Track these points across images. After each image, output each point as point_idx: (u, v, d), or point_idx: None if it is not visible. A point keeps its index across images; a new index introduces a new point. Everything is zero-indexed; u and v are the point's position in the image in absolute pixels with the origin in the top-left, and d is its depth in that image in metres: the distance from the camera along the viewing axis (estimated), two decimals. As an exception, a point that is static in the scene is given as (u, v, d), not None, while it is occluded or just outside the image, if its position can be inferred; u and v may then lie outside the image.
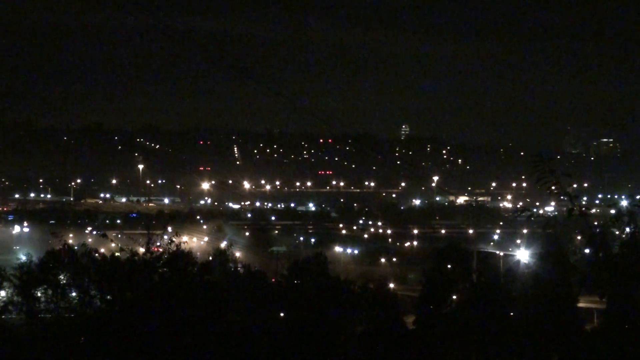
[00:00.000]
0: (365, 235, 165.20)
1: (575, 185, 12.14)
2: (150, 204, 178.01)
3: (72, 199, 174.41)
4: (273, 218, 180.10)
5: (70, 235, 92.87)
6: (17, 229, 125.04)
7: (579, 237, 11.79)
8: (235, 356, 19.13)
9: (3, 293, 29.55)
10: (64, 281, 30.46)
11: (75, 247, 39.10)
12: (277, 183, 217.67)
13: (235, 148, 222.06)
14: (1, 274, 30.52)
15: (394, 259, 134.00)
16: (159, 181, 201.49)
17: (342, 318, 31.71)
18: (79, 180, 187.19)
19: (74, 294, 29.74)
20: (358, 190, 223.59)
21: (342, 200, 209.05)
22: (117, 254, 35.88)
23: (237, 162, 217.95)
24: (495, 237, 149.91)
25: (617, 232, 10.90)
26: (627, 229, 10.73)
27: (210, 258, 42.37)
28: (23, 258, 35.62)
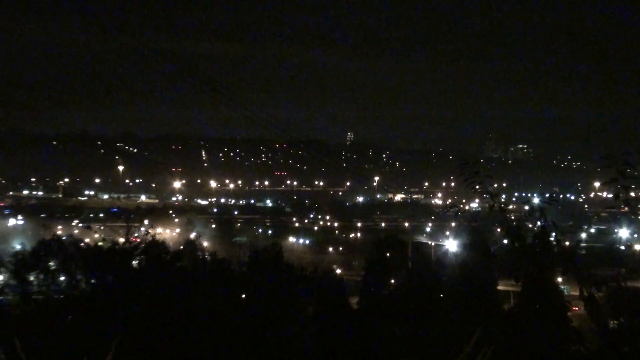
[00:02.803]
0: (316, 228, 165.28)
1: (495, 185, 12.27)
2: (129, 201, 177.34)
3: (60, 195, 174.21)
4: (236, 212, 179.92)
5: (59, 227, 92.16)
6: (12, 221, 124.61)
7: (498, 230, 11.85)
8: (202, 333, 19.19)
9: (0, 277, 29.42)
10: (54, 267, 30.39)
11: (64, 238, 38.99)
12: (239, 182, 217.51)
13: (203, 152, 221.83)
14: (0, 260, 30.38)
15: (341, 248, 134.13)
16: (137, 180, 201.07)
17: (295, 299, 31.74)
18: (66, 180, 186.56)
19: (62, 278, 29.66)
20: (309, 189, 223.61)
21: (295, 197, 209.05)
22: (100, 243, 35.83)
23: (205, 164, 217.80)
24: (428, 229, 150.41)
25: (530, 225, 11.03)
26: (539, 223, 10.88)
27: (181, 247, 42.32)
28: (18, 247, 35.48)
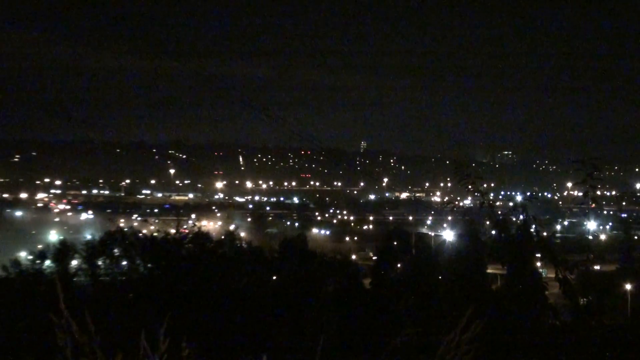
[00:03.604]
0: (334, 221, 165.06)
1: (484, 185, 12.26)
2: (178, 198, 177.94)
3: (122, 194, 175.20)
4: (268, 208, 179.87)
5: (122, 220, 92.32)
6: (84, 215, 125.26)
7: (487, 222, 11.87)
8: (240, 307, 19.26)
9: (75, 262, 29.49)
10: (117, 253, 30.43)
11: (125, 229, 39.08)
12: (271, 183, 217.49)
13: (240, 158, 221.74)
14: (73, 248, 30.44)
15: (355, 238, 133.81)
16: (185, 181, 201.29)
17: (318, 280, 31.75)
18: (127, 181, 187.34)
19: (124, 262, 29.70)
20: (329, 188, 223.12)
21: (317, 195, 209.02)
22: (154, 234, 35.87)
23: (242, 168, 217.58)
24: (428, 222, 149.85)
25: (513, 219, 11.06)
26: (521, 217, 10.91)
27: (222, 237, 42.31)
28: (89, 237, 35.56)
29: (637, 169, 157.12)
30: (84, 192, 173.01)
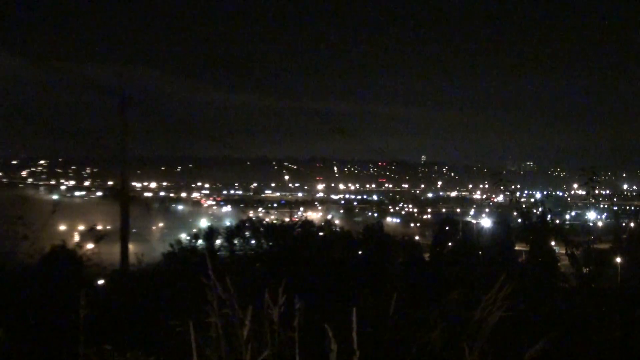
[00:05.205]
0: (402, 212, 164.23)
1: (512, 187, 12.20)
2: (290, 196, 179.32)
3: (251, 193, 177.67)
4: (355, 203, 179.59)
5: (251, 212, 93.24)
6: (225, 209, 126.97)
7: (515, 213, 11.88)
8: (335, 274, 19.32)
9: (218, 241, 29.88)
10: (248, 235, 30.74)
11: (253, 218, 39.51)
12: (357, 185, 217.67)
13: (335, 167, 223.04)
14: (217, 231, 30.88)
15: (418, 224, 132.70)
16: (296, 184, 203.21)
17: (391, 255, 31.68)
18: (254, 184, 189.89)
19: (252, 241, 29.98)
20: (398, 189, 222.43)
21: (390, 194, 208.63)
22: (274, 221, 36.20)
23: (336, 175, 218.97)
24: (471, 213, 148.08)
25: (534, 211, 10.94)
26: (540, 209, 10.81)
27: (322, 224, 42.52)
28: (227, 223, 35.99)
29: (624, 175, 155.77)
30: (224, 192, 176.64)
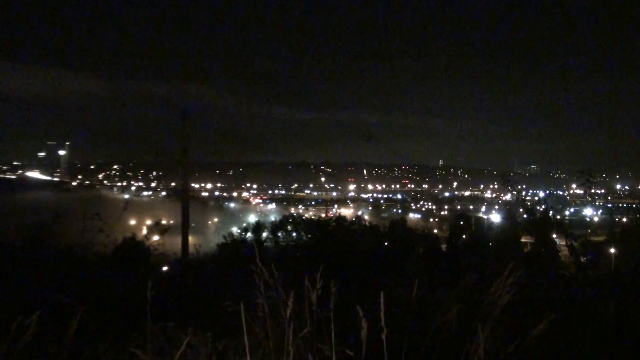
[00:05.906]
0: (423, 209, 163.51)
1: (519, 187, 12.18)
2: (326, 196, 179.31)
3: (292, 193, 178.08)
4: (382, 201, 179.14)
5: (292, 209, 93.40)
6: (270, 206, 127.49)
7: (521, 210, 11.77)
8: (364, 261, 19.27)
9: (265, 234, 29.95)
10: (290, 228, 30.78)
11: (294, 214, 39.58)
12: (383, 186, 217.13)
13: (364, 170, 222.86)
14: (264, 225, 30.95)
15: (436, 220, 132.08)
16: (331, 185, 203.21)
17: (413, 246, 31.54)
18: (295, 185, 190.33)
19: (294, 234, 30.00)
20: (419, 189, 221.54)
21: (412, 193, 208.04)
22: (312, 217, 36.25)
23: (365, 177, 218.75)
24: (483, 209, 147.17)
25: (538, 207, 10.83)
26: (543, 206, 10.70)
27: (353, 219, 42.47)
28: (272, 218, 36.09)
29: (617, 176, 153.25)
30: (270, 192, 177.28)
